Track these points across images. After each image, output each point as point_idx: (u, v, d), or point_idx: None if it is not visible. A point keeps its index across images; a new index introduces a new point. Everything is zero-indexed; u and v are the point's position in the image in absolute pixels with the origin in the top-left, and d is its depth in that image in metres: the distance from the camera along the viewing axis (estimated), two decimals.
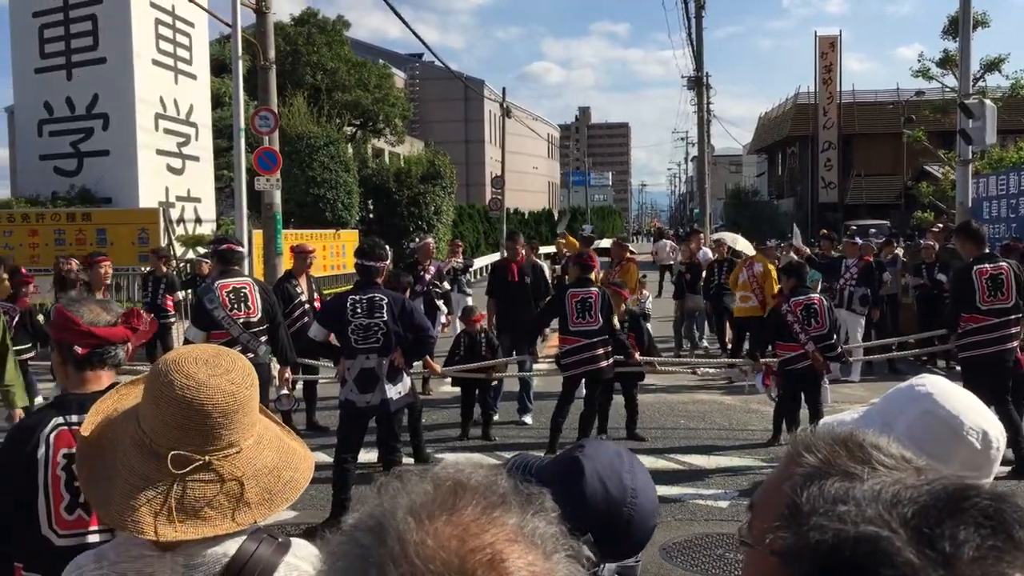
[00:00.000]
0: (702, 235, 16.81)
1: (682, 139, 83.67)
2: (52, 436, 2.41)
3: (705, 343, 14.26)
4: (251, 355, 6.32)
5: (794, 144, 49.27)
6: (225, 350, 1.59)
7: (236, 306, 6.77)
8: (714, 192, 50.03)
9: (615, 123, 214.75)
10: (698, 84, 32.21)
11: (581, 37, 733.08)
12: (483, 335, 9.28)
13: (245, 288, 6.88)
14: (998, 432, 1.52)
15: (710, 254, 14.54)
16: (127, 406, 1.64)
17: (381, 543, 0.74)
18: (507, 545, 0.74)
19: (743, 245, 15.39)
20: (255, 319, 6.84)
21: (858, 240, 13.23)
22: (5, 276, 9.34)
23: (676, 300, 13.86)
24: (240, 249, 7.40)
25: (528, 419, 9.53)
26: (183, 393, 1.46)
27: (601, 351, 8.02)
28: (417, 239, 11.22)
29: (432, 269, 10.92)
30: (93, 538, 2.40)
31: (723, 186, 70.03)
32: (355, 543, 0.76)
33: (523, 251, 10.30)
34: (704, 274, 13.66)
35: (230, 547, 1.50)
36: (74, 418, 2.44)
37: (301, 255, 9.41)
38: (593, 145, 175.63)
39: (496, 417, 9.35)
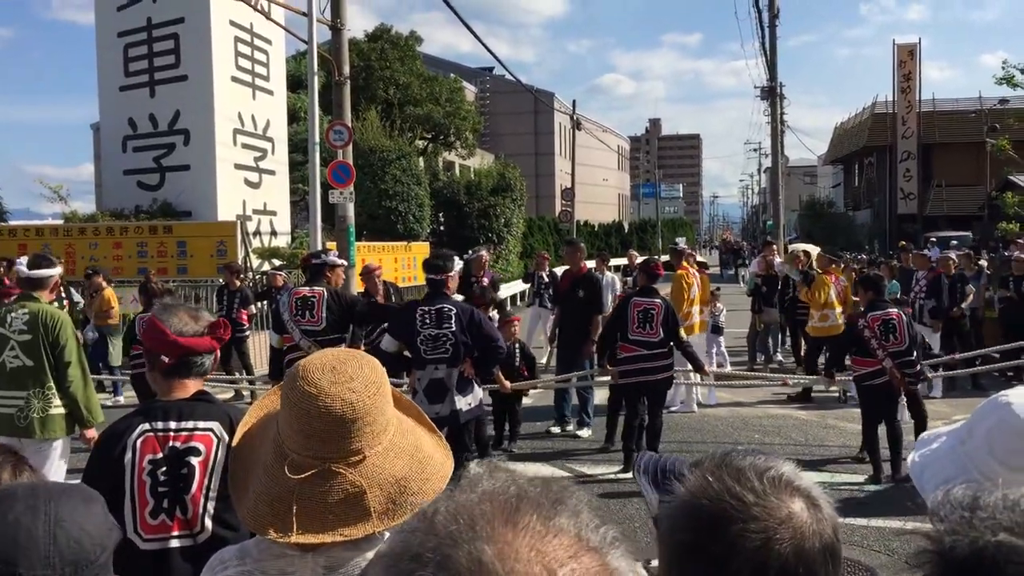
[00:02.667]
0: (775, 247, 16.49)
1: (755, 150, 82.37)
2: (139, 442, 2.49)
3: (779, 357, 14.00)
4: None
5: (871, 154, 48.20)
6: (358, 356, 1.58)
7: (301, 313, 7.13)
8: (788, 204, 49.09)
9: (686, 134, 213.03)
10: (771, 94, 31.70)
11: (652, 49, 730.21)
12: (518, 345, 9.21)
13: (315, 297, 7.17)
14: None
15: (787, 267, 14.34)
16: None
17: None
18: (576, 552, 0.74)
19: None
20: (318, 328, 7.10)
21: (927, 252, 12.83)
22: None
23: (753, 313, 13.63)
24: (324, 260, 7.62)
25: (585, 432, 9.44)
26: (304, 399, 1.48)
27: (660, 364, 7.92)
28: (471, 251, 11.26)
29: (486, 280, 10.92)
30: (175, 543, 2.47)
31: (797, 197, 68.66)
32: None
33: (581, 260, 9.81)
34: (779, 287, 13.45)
35: (370, 555, 1.50)
36: (159, 425, 2.51)
37: (368, 275, 9.68)
38: (664, 157, 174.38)
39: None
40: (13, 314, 5.48)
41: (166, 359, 2.62)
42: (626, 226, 53.67)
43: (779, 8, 30.05)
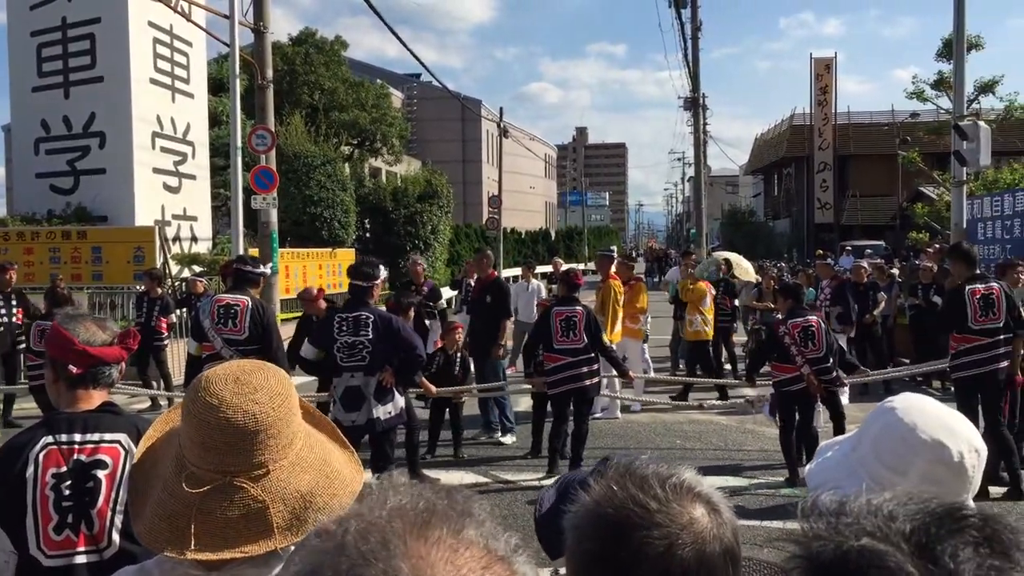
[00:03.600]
0: (694, 256, 16.77)
1: (679, 159, 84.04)
2: (41, 455, 2.39)
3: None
4: None
5: (790, 165, 49.49)
6: (264, 367, 1.54)
7: (223, 321, 6.85)
8: (710, 212, 50.12)
9: (612, 143, 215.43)
10: (694, 105, 32.30)
11: (579, 58, 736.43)
12: (458, 354, 9.28)
13: (238, 306, 6.88)
14: (966, 449, 1.52)
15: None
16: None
17: None
18: (488, 563, 0.75)
19: (746, 267, 15.44)
20: (240, 337, 6.86)
21: (830, 261, 13.28)
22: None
23: (675, 321, 13.83)
24: (253, 271, 7.32)
25: (509, 439, 9.50)
26: (205, 411, 1.44)
27: (586, 369, 7.99)
28: (408, 260, 11.29)
29: (426, 288, 10.94)
30: (81, 559, 2.38)
31: (720, 206, 70.14)
32: None
33: (488, 268, 10.18)
34: None
35: (275, 573, 1.46)
36: (63, 437, 2.42)
37: (308, 301, 9.54)
38: (590, 165, 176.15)
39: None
40: None
41: (73, 369, 2.54)
42: (553, 234, 54.05)
43: (701, 21, 30.64)
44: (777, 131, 49.85)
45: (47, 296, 9.10)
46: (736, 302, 13.92)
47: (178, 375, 11.81)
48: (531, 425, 8.98)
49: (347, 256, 22.29)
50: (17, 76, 18.08)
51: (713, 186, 64.79)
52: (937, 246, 16.22)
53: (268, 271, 7.81)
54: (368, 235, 28.05)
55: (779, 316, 8.45)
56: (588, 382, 8.01)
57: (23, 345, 10.00)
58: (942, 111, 26.17)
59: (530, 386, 8.67)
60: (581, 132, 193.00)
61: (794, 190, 49.28)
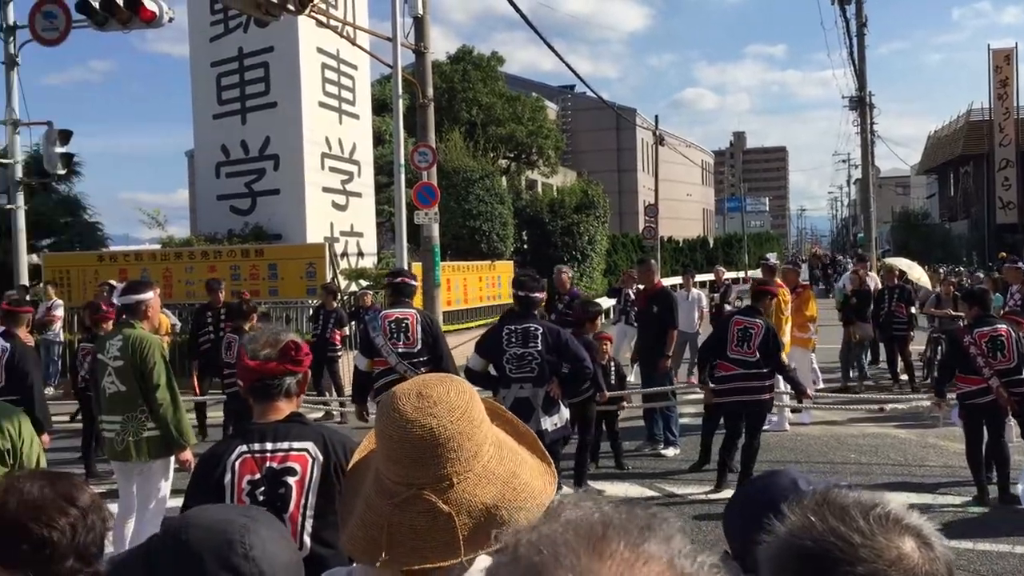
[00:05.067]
0: (868, 262, 16.07)
1: (844, 161, 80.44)
2: (237, 463, 2.55)
3: (868, 372, 13.60)
4: None
5: (967, 163, 46.70)
6: (447, 380, 1.57)
7: (396, 336, 7.03)
8: (880, 215, 47.80)
9: (772, 147, 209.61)
10: (860, 104, 30.99)
11: (735, 61, 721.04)
12: (612, 363, 9.17)
13: (407, 320, 7.09)
14: None
15: (878, 281, 14.11)
16: None
17: None
18: None
19: (919, 274, 14.70)
20: (414, 350, 7.02)
21: (1021, 265, 12.12)
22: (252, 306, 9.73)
23: (844, 328, 13.29)
24: (413, 283, 7.70)
25: (671, 452, 9.32)
26: (388, 425, 1.49)
27: (756, 384, 7.75)
28: (555, 271, 11.31)
29: (567, 298, 10.89)
30: None
31: (889, 209, 66.93)
32: None
33: (653, 277, 10.01)
34: (874, 302, 13.18)
35: None
36: (256, 446, 2.57)
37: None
38: (749, 170, 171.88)
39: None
40: (110, 341, 5.71)
41: (241, 382, 2.75)
42: (711, 241, 52.98)
43: (867, 16, 29.43)
44: (952, 128, 47.08)
45: (232, 310, 9.62)
46: (912, 309, 13.26)
47: (349, 386, 12.25)
48: (700, 437, 8.80)
49: (506, 268, 22.57)
50: (199, 105, 19.33)
51: (882, 188, 61.79)
52: None
53: (413, 282, 8.13)
54: (526, 247, 28.34)
55: (962, 323, 7.95)
56: (758, 397, 7.78)
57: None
58: None
59: (699, 397, 8.50)
60: (739, 137, 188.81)
61: (972, 190, 46.45)
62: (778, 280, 10.54)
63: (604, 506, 0.79)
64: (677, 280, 18.50)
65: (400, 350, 6.98)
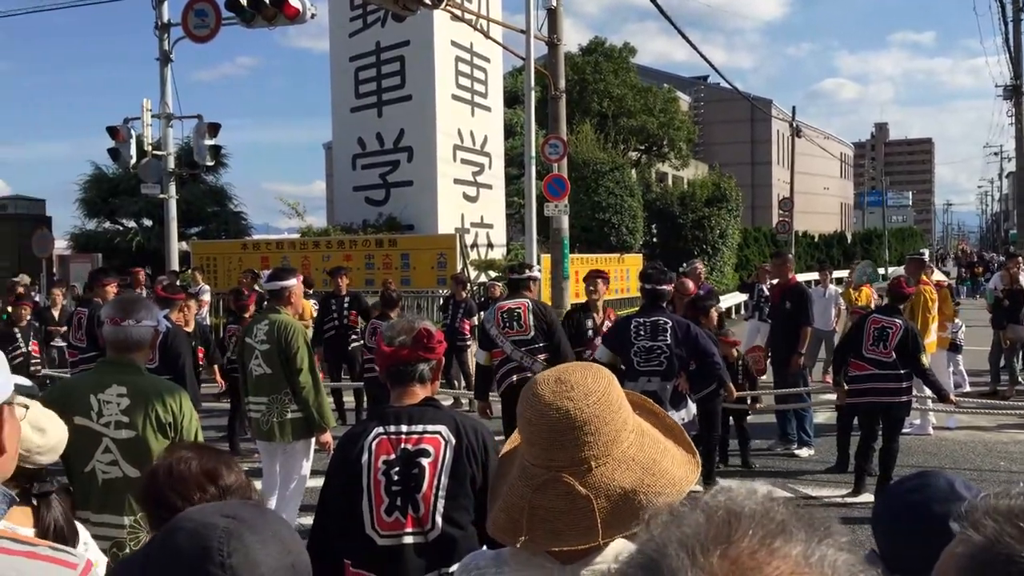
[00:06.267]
0: (1021, 259, 15.14)
1: (995, 154, 76.06)
2: (374, 444, 2.64)
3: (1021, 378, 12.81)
4: (528, 373, 6.76)
5: None
6: (586, 368, 1.61)
7: (508, 325, 7.23)
8: None
9: (916, 139, 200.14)
10: (1016, 93, 29.23)
11: (879, 49, 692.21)
12: (740, 361, 8.93)
13: (519, 308, 7.29)
14: None
15: None
16: None
17: None
18: None
19: None
20: (527, 337, 7.17)
21: None
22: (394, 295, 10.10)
23: (995, 330, 12.57)
24: (525, 275, 7.76)
25: (805, 452, 9.03)
26: (528, 409, 1.53)
27: (892, 385, 7.41)
28: (685, 264, 11.09)
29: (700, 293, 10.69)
30: (408, 539, 2.61)
31: None
32: None
33: (789, 272, 9.61)
34: None
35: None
36: (392, 428, 2.66)
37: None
38: (891, 163, 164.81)
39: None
40: (257, 326, 5.99)
41: (379, 367, 2.92)
42: (849, 237, 51.08)
43: None
44: None
45: (381, 298, 9.97)
46: None
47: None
48: (836, 438, 8.51)
49: (634, 261, 22.38)
50: (338, 98, 19.97)
51: None
52: None
53: (536, 273, 8.19)
54: (655, 240, 28.05)
55: None
56: (894, 399, 7.44)
57: (358, 343, 10.91)
58: None
59: (835, 396, 8.21)
60: (880, 128, 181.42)
61: None
62: (924, 277, 10.07)
63: (737, 498, 0.77)
64: (812, 276, 17.89)
65: (513, 338, 7.11)
